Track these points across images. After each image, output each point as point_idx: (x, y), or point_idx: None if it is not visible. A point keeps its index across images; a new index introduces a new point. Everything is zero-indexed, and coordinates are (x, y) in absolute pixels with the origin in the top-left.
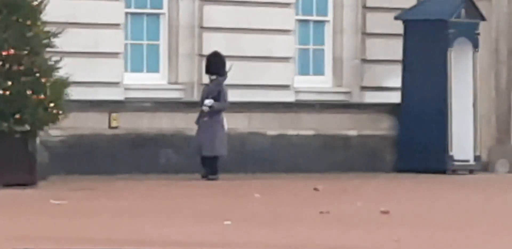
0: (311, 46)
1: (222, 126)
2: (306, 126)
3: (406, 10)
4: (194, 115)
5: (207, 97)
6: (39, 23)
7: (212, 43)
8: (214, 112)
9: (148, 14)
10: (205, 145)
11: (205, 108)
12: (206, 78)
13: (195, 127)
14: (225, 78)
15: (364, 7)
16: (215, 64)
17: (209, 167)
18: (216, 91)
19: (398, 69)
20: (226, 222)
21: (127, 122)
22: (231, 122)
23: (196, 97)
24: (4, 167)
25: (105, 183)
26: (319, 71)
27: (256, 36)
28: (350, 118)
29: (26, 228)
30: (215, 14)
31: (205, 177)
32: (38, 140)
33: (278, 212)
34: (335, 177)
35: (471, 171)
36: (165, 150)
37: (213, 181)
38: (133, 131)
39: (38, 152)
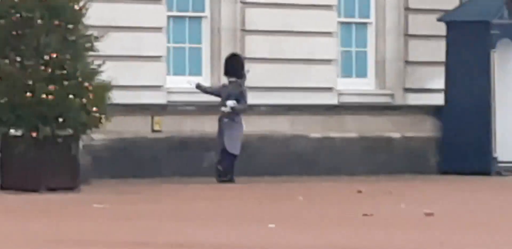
0: (353, 49)
1: (242, 126)
2: (349, 128)
3: (448, 11)
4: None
5: (227, 99)
6: (81, 27)
7: (254, 46)
8: (235, 114)
9: (190, 17)
10: (228, 145)
11: (226, 109)
12: (249, 82)
13: None
14: (245, 80)
15: (407, 8)
16: (235, 66)
17: (228, 167)
18: (237, 93)
19: (441, 71)
20: (270, 225)
21: (169, 126)
22: (274, 125)
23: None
24: (47, 171)
25: (148, 187)
26: (361, 73)
27: (298, 38)
28: (393, 120)
29: (69, 232)
30: (257, 17)
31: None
32: (80, 144)
33: (322, 215)
34: (379, 179)
35: None
36: (208, 153)
37: (231, 183)
38: (176, 134)
39: (80, 156)
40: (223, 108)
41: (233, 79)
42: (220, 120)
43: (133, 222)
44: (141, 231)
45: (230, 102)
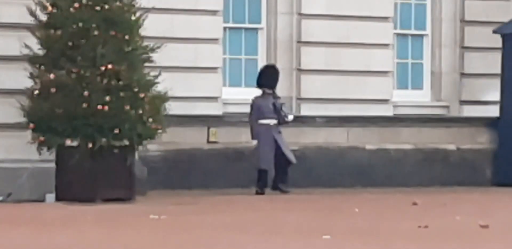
0: (409, 60)
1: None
2: (404, 140)
3: (504, 23)
4: (290, 130)
5: (275, 112)
6: (137, 38)
7: (310, 58)
8: (279, 127)
9: (246, 29)
10: (289, 155)
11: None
12: (305, 93)
13: (294, 141)
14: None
15: (462, 21)
16: (276, 77)
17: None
18: (280, 105)
19: (496, 83)
20: (325, 236)
21: (225, 137)
22: (330, 136)
23: (295, 111)
24: (102, 182)
25: (203, 198)
26: (417, 85)
27: (354, 50)
28: (449, 132)
29: (127, 242)
30: (313, 29)
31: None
32: (136, 155)
33: (377, 226)
34: (434, 191)
35: None
36: None
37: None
38: (232, 145)
39: (136, 167)
40: (287, 120)
41: (271, 91)
42: (267, 133)
43: (189, 232)
44: (198, 242)
45: (291, 117)
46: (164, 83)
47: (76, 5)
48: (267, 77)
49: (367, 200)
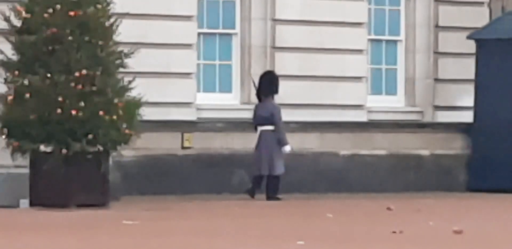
0: (383, 66)
1: None
2: (378, 145)
3: (478, 29)
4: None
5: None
6: (111, 43)
7: (284, 63)
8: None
9: (220, 34)
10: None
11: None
12: (279, 99)
13: None
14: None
15: (436, 26)
16: (277, 83)
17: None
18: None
19: (470, 88)
20: (299, 242)
21: (199, 143)
22: (304, 142)
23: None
24: (76, 188)
25: (178, 203)
26: (391, 91)
27: (328, 56)
28: (423, 138)
29: (100, 248)
30: (287, 34)
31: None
32: (110, 161)
33: (351, 232)
34: (408, 197)
35: None
36: (237, 170)
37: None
38: (206, 151)
39: (110, 173)
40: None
41: (268, 98)
42: (266, 138)
43: (163, 238)
44: (171, 247)
45: (288, 148)
46: (138, 89)
47: (50, 10)
48: (275, 85)
49: (341, 206)
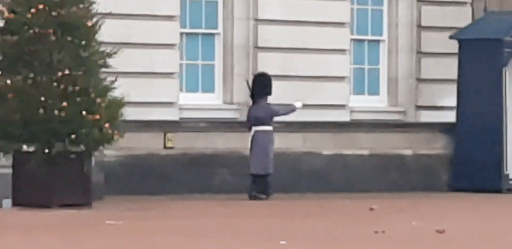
0: (366, 66)
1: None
2: (361, 145)
3: (461, 29)
4: (246, 135)
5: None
6: (94, 43)
7: (267, 63)
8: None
9: (203, 34)
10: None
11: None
12: (268, 98)
13: (247, 146)
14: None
15: (419, 26)
16: (271, 85)
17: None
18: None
19: (453, 88)
20: (281, 242)
21: (182, 143)
22: (286, 142)
23: None
24: (59, 188)
25: (160, 203)
26: (374, 90)
27: (311, 55)
28: (405, 137)
29: (82, 248)
30: (270, 34)
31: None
32: (93, 160)
33: (334, 231)
34: (391, 196)
35: None
36: (220, 169)
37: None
38: (188, 151)
39: (93, 172)
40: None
41: (262, 99)
42: (266, 138)
43: (145, 238)
44: (154, 247)
45: (300, 104)
46: (121, 89)
47: (33, 10)
48: (270, 86)
49: (324, 206)
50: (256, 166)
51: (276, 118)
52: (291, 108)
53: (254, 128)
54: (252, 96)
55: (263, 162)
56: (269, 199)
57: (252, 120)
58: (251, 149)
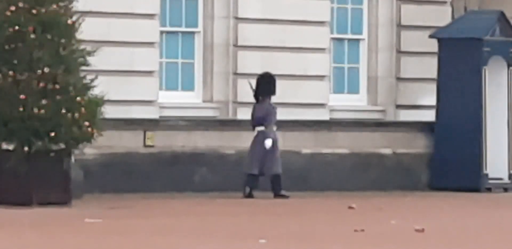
0: (346, 65)
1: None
2: (340, 144)
3: (440, 28)
4: (229, 134)
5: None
6: (74, 41)
7: (247, 62)
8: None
9: (183, 33)
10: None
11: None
12: (241, 97)
13: (230, 145)
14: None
15: (399, 25)
16: (275, 84)
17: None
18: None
19: (432, 87)
20: (261, 241)
21: (162, 141)
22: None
23: (231, 115)
24: (38, 186)
25: (140, 202)
26: (354, 89)
27: (291, 54)
28: (385, 136)
29: (61, 246)
30: (250, 33)
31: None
32: (72, 159)
33: (313, 230)
34: (370, 195)
35: (505, 189)
36: (200, 168)
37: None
38: (168, 149)
39: (72, 170)
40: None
41: (265, 98)
42: (269, 140)
43: (124, 236)
44: (133, 246)
45: (268, 142)
46: (101, 87)
47: (12, 8)
48: (274, 86)
49: (303, 204)
50: (250, 165)
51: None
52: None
53: (257, 128)
54: (256, 96)
55: (260, 162)
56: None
57: (255, 120)
58: (250, 148)
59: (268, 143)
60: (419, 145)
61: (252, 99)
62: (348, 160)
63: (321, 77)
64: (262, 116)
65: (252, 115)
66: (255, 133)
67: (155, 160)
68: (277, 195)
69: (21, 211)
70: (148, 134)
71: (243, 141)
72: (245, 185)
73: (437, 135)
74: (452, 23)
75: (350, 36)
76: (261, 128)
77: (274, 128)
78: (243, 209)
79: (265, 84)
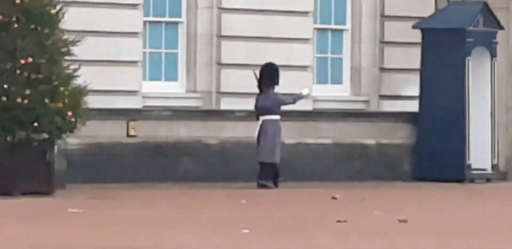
0: (329, 55)
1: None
2: (324, 134)
3: (424, 19)
4: (212, 124)
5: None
6: (57, 31)
7: (231, 52)
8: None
9: (166, 23)
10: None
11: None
12: (225, 87)
13: (213, 135)
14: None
15: (382, 16)
16: (278, 75)
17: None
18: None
19: (416, 78)
20: (244, 231)
21: (145, 131)
22: (249, 130)
23: (214, 105)
24: (22, 176)
25: (123, 192)
26: (337, 80)
27: (274, 44)
28: (368, 127)
29: (44, 236)
30: (233, 23)
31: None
32: (56, 148)
33: (296, 220)
34: (353, 186)
35: (488, 180)
36: (183, 158)
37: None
38: (152, 139)
39: (56, 160)
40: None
41: (269, 88)
42: (274, 127)
43: (108, 226)
44: (116, 236)
45: (306, 91)
46: (84, 77)
47: None
48: (278, 76)
49: (287, 194)
50: (264, 154)
51: (238, 107)
52: (298, 96)
53: (261, 117)
54: (259, 86)
55: (271, 150)
56: (279, 187)
57: (260, 109)
58: (258, 137)
59: (306, 90)
60: (402, 135)
61: (236, 90)
62: (332, 150)
63: (304, 67)
64: (269, 106)
65: (256, 105)
66: (259, 122)
67: (139, 150)
68: (275, 183)
69: (4, 201)
70: (132, 123)
71: (227, 131)
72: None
73: (421, 125)
74: (436, 14)
75: (333, 26)
76: (267, 117)
77: (277, 117)
78: (227, 199)
79: (269, 75)
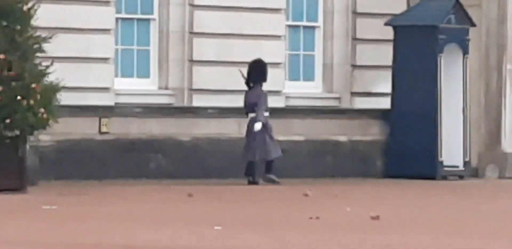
0: (301, 52)
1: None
2: (296, 131)
3: (396, 16)
4: (185, 121)
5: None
6: (29, 28)
7: (202, 49)
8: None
9: (138, 20)
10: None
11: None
12: (197, 84)
13: (186, 132)
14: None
15: (354, 12)
16: (266, 71)
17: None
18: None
19: (388, 75)
20: (216, 227)
21: (117, 128)
22: (221, 127)
23: (186, 102)
24: None
25: (95, 188)
26: (309, 77)
27: (246, 41)
28: (340, 124)
29: (18, 233)
30: (205, 20)
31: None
32: (28, 145)
33: (269, 217)
34: (325, 183)
35: (460, 177)
36: (155, 155)
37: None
38: (123, 136)
39: (28, 157)
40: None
41: (256, 85)
42: (259, 124)
43: (81, 223)
44: (89, 233)
45: (258, 125)
46: (56, 74)
47: None
48: (266, 72)
49: (259, 191)
50: (252, 152)
51: (210, 104)
52: (258, 119)
53: (250, 114)
54: (247, 82)
55: (259, 148)
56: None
57: (248, 106)
58: (246, 135)
59: (258, 126)
60: (374, 132)
61: (208, 86)
62: (304, 147)
63: (276, 64)
64: (255, 102)
65: (245, 102)
66: (248, 119)
67: (111, 147)
68: (266, 178)
69: None
70: (104, 120)
71: (199, 128)
72: (248, 174)
73: (393, 122)
74: (408, 11)
75: (305, 23)
76: (254, 114)
77: (266, 114)
78: (199, 196)
79: (257, 71)
